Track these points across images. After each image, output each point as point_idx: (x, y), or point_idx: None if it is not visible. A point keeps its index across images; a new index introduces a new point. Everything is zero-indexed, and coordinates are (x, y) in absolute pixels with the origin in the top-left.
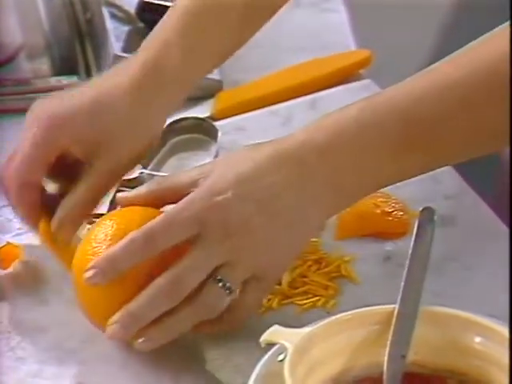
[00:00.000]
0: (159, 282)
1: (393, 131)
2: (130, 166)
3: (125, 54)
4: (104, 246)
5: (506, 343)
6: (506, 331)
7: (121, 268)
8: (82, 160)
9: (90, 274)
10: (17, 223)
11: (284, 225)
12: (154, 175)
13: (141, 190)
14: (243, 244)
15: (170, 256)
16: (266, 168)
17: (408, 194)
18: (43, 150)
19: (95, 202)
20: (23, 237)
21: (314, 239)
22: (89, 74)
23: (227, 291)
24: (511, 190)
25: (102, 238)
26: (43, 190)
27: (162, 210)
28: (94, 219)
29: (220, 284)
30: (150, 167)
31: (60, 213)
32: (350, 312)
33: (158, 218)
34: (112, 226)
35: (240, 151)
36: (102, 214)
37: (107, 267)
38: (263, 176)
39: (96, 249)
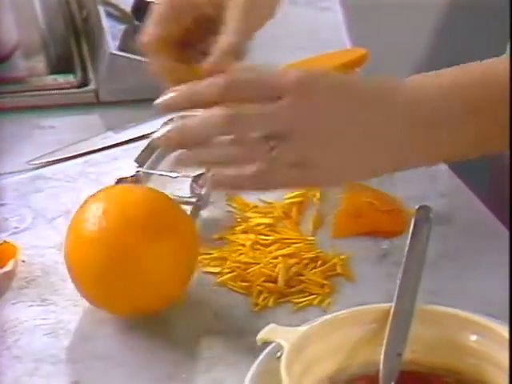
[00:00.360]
0: (217, 115)
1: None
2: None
3: (121, 53)
4: (97, 227)
5: (503, 342)
6: (502, 329)
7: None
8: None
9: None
10: (13, 222)
11: (359, 136)
12: (150, 173)
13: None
14: (312, 126)
15: (155, 228)
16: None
17: (404, 192)
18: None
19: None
20: (20, 235)
21: (310, 238)
22: (85, 72)
23: (271, 152)
24: (511, 191)
25: (96, 215)
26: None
27: None
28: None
29: (268, 146)
30: (146, 166)
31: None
32: (346, 310)
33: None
34: (103, 206)
35: None
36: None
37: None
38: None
39: (89, 232)
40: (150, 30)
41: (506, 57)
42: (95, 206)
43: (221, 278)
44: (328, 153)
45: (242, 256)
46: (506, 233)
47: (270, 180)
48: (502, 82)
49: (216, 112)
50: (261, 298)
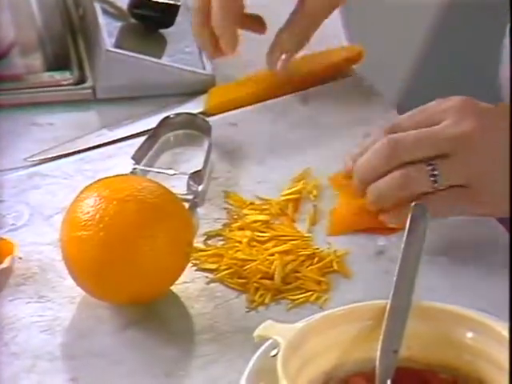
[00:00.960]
0: (379, 142)
1: None
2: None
3: (117, 50)
4: (92, 218)
5: (499, 338)
6: (498, 326)
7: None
8: None
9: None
10: (10, 219)
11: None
12: (147, 171)
13: None
14: (473, 150)
15: (150, 217)
16: None
17: None
18: None
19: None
20: (17, 232)
21: (306, 234)
22: (81, 70)
23: (432, 178)
24: (511, 191)
25: (90, 206)
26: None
27: None
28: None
29: (429, 167)
30: (142, 163)
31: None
32: (342, 307)
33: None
34: (98, 196)
35: None
36: None
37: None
38: None
39: (84, 221)
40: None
41: None
42: (90, 197)
43: (217, 275)
44: (492, 176)
45: (239, 253)
46: (501, 228)
47: (436, 204)
48: None
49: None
50: (257, 295)
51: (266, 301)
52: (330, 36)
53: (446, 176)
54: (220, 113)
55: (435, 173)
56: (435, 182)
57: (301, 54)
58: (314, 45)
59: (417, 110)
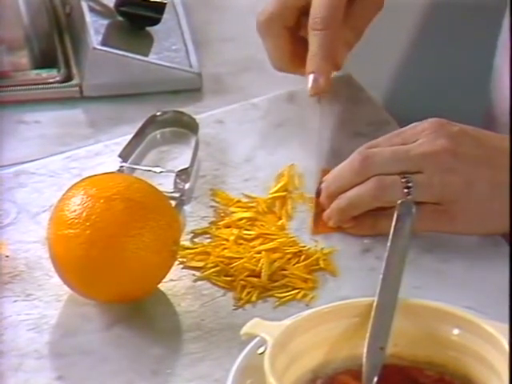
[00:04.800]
0: (352, 156)
1: None
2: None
3: (104, 48)
4: (78, 216)
5: (485, 335)
6: (484, 323)
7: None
8: None
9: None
10: None
11: (495, 183)
12: (134, 169)
13: None
14: (446, 170)
15: (137, 215)
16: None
17: None
18: None
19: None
20: (3, 230)
21: (291, 233)
22: (68, 67)
23: (405, 190)
24: (511, 193)
25: (77, 205)
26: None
27: None
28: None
29: (404, 180)
30: (129, 161)
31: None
32: (329, 305)
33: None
34: (85, 194)
35: None
36: None
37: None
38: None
39: (71, 220)
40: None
41: None
42: (77, 195)
43: (204, 273)
44: (466, 196)
45: (226, 251)
46: None
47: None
48: None
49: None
50: (244, 293)
51: (253, 298)
52: None
53: (419, 190)
54: None
55: (409, 185)
56: (408, 194)
57: None
58: None
59: (393, 134)
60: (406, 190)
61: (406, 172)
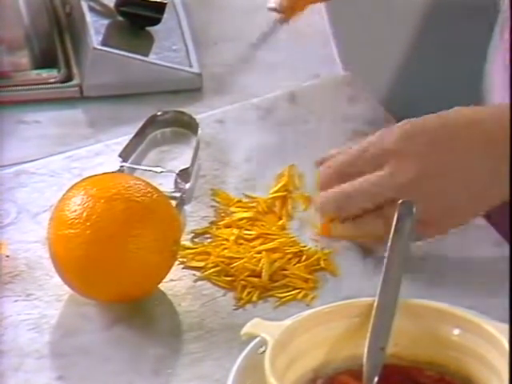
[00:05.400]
0: (333, 192)
1: None
2: None
3: (104, 48)
4: (79, 216)
5: (485, 335)
6: (484, 323)
7: None
8: None
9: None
10: None
11: (466, 182)
12: (134, 169)
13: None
14: (420, 194)
15: (137, 214)
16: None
17: None
18: None
19: None
20: (4, 230)
21: (292, 233)
22: (68, 67)
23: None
24: (511, 195)
25: (78, 205)
26: None
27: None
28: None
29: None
30: (130, 160)
31: None
32: (330, 305)
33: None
34: (85, 194)
35: None
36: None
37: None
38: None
39: (72, 220)
40: None
41: None
42: (77, 195)
43: (205, 273)
44: (436, 206)
45: (226, 251)
46: (489, 227)
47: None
48: None
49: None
50: (245, 293)
51: (254, 298)
52: (317, 34)
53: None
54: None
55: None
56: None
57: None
58: (301, 43)
59: (357, 151)
60: None
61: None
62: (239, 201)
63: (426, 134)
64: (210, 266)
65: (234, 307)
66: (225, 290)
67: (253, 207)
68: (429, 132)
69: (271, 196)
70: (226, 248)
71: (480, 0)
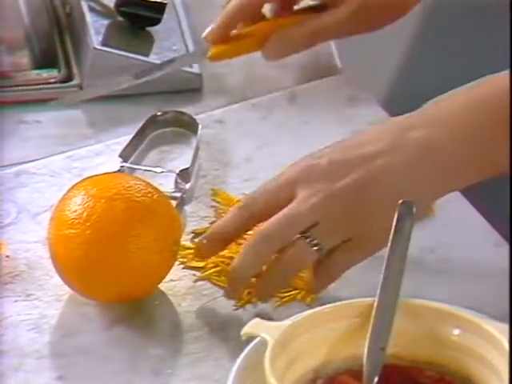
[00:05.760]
0: (250, 240)
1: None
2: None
3: (104, 48)
4: (79, 216)
5: (485, 335)
6: (485, 323)
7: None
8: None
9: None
10: None
11: (383, 195)
12: (134, 169)
13: None
14: (337, 208)
15: (137, 214)
16: (368, 136)
17: None
18: None
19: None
20: (4, 230)
21: None
22: (68, 68)
23: (315, 248)
24: (511, 196)
25: (78, 205)
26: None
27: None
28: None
29: (308, 240)
30: (130, 160)
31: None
32: (330, 305)
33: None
34: (86, 194)
35: None
36: None
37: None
38: (364, 144)
39: (72, 220)
40: None
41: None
42: (77, 195)
43: (205, 273)
44: (367, 220)
45: (226, 251)
46: (489, 227)
47: (329, 269)
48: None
49: (247, 246)
50: (245, 293)
51: (254, 299)
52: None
53: (326, 240)
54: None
55: (316, 242)
56: (320, 249)
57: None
58: None
59: (267, 191)
60: (315, 248)
61: (305, 230)
62: (239, 201)
63: (336, 152)
64: (210, 266)
65: (234, 307)
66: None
67: None
68: (338, 150)
69: None
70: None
71: (480, 0)
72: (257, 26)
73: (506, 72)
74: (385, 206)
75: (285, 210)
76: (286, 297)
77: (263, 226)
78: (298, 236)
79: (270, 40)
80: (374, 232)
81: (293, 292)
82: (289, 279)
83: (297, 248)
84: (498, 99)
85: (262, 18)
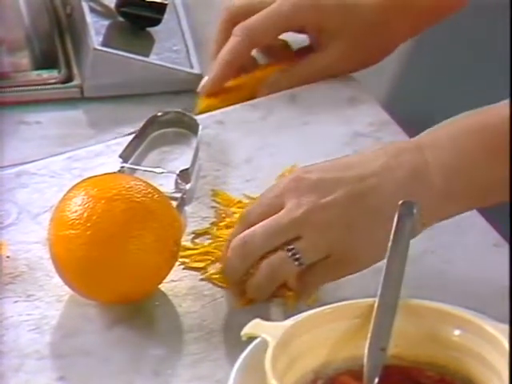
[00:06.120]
0: (232, 242)
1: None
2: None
3: (105, 48)
4: (79, 217)
5: (485, 336)
6: (485, 324)
7: None
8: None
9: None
10: None
11: (368, 213)
12: (134, 169)
13: None
14: (319, 222)
15: (138, 215)
16: (364, 157)
17: None
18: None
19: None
20: (4, 231)
21: None
22: (69, 68)
23: (296, 262)
24: (511, 197)
25: (78, 205)
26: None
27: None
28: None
29: (289, 253)
30: (130, 161)
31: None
32: (330, 305)
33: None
34: (86, 194)
35: None
36: None
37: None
38: (358, 164)
39: (72, 220)
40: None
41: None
42: (78, 196)
43: (205, 274)
44: (349, 238)
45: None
46: (489, 227)
47: (307, 282)
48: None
49: (230, 250)
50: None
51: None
52: None
53: (307, 254)
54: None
55: (297, 256)
56: (300, 263)
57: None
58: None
59: (261, 205)
60: (296, 263)
61: (287, 242)
62: (240, 201)
63: (327, 169)
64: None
65: (235, 307)
66: (225, 291)
67: None
68: (328, 167)
69: None
70: None
71: (480, 0)
72: (245, 79)
73: (506, 101)
74: (368, 226)
75: (268, 220)
76: (286, 297)
77: (246, 231)
78: (281, 246)
79: (259, 92)
80: (356, 250)
81: (293, 292)
82: (270, 287)
83: (276, 258)
84: (492, 127)
85: (254, 64)
